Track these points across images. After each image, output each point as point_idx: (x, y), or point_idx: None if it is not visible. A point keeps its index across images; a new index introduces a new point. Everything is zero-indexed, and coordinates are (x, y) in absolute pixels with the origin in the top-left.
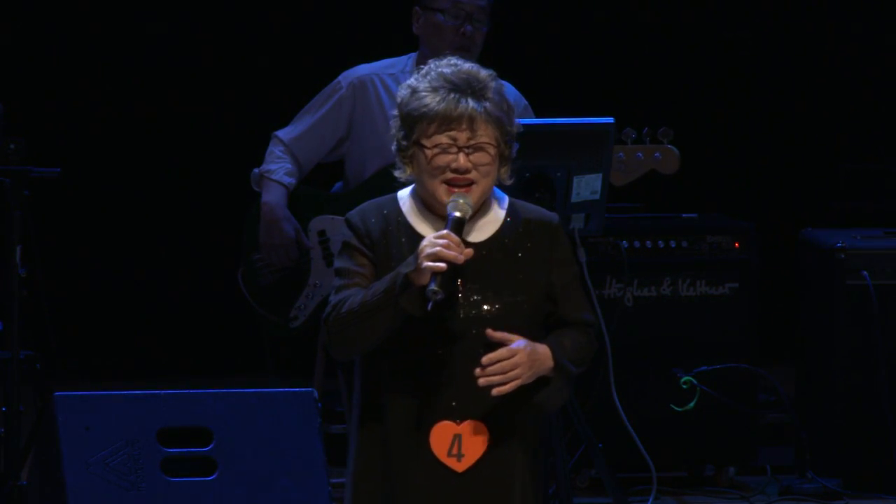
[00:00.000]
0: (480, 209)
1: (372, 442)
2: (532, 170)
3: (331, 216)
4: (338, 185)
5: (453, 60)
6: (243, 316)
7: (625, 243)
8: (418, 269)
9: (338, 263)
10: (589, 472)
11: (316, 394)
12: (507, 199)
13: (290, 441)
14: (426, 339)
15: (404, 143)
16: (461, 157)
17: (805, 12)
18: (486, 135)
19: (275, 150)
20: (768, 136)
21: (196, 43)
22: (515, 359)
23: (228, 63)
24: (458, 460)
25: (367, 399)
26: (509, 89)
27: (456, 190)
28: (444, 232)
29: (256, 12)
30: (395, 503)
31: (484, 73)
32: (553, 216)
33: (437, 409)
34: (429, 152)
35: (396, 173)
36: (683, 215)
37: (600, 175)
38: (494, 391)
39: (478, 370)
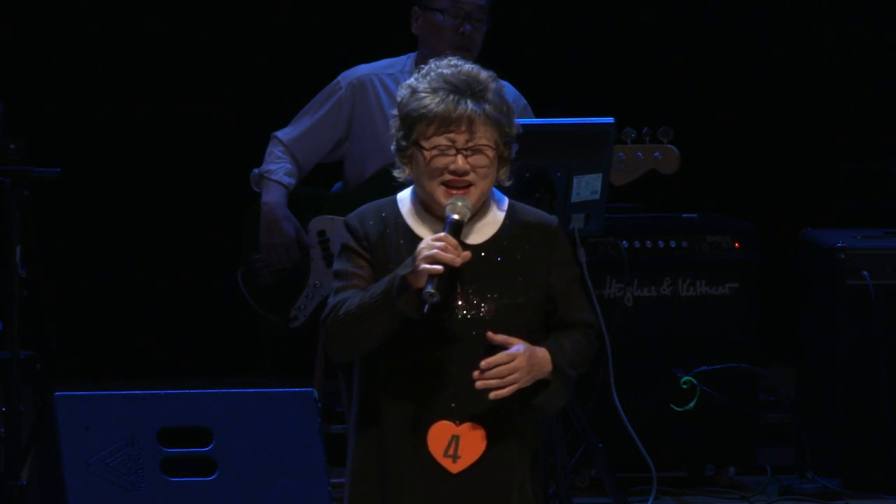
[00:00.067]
0: (479, 211)
1: (369, 443)
2: (532, 170)
3: (330, 216)
4: (337, 185)
5: (454, 61)
6: (243, 316)
7: (625, 243)
8: (415, 272)
9: (336, 266)
10: (589, 472)
11: (316, 394)
12: (506, 201)
13: (290, 441)
14: (425, 341)
15: (403, 143)
16: (459, 158)
17: (805, 12)
18: (484, 137)
19: (274, 151)
20: (768, 136)
21: (196, 43)
22: (514, 363)
23: (228, 63)
24: (454, 461)
25: (365, 400)
26: (508, 89)
27: (454, 192)
28: (442, 234)
29: (256, 12)
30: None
31: (484, 74)
32: (552, 219)
33: (435, 409)
34: (427, 154)
35: (395, 173)
36: (683, 215)
37: (600, 175)
38: (492, 395)
39: (476, 373)
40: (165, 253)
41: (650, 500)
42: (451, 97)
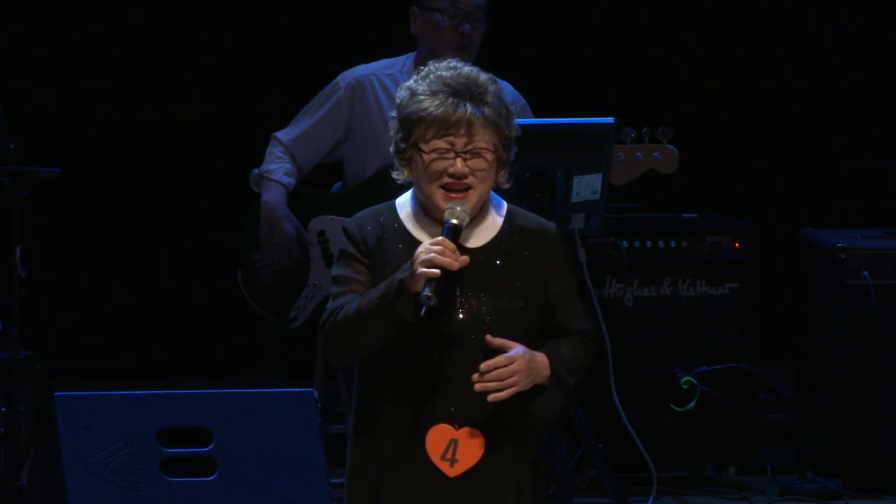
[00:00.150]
0: (478, 215)
1: (367, 445)
2: (532, 170)
3: (330, 216)
4: (337, 185)
5: (453, 63)
6: (243, 316)
7: (625, 243)
8: (413, 275)
9: (334, 271)
10: (589, 472)
11: (316, 394)
12: (505, 206)
13: (290, 441)
14: (424, 344)
15: (402, 145)
16: (458, 162)
17: (804, 12)
18: (483, 140)
19: (274, 151)
20: (768, 136)
21: (196, 43)
22: (513, 366)
23: (228, 63)
24: (451, 465)
25: (363, 403)
26: (507, 88)
27: (453, 195)
28: (440, 238)
29: (256, 12)
30: None
31: (483, 77)
32: (551, 225)
33: (434, 413)
34: (426, 157)
35: (394, 175)
36: (683, 215)
37: (600, 175)
38: (490, 397)
39: (475, 376)
40: (165, 253)
41: (650, 500)
42: (451, 100)
